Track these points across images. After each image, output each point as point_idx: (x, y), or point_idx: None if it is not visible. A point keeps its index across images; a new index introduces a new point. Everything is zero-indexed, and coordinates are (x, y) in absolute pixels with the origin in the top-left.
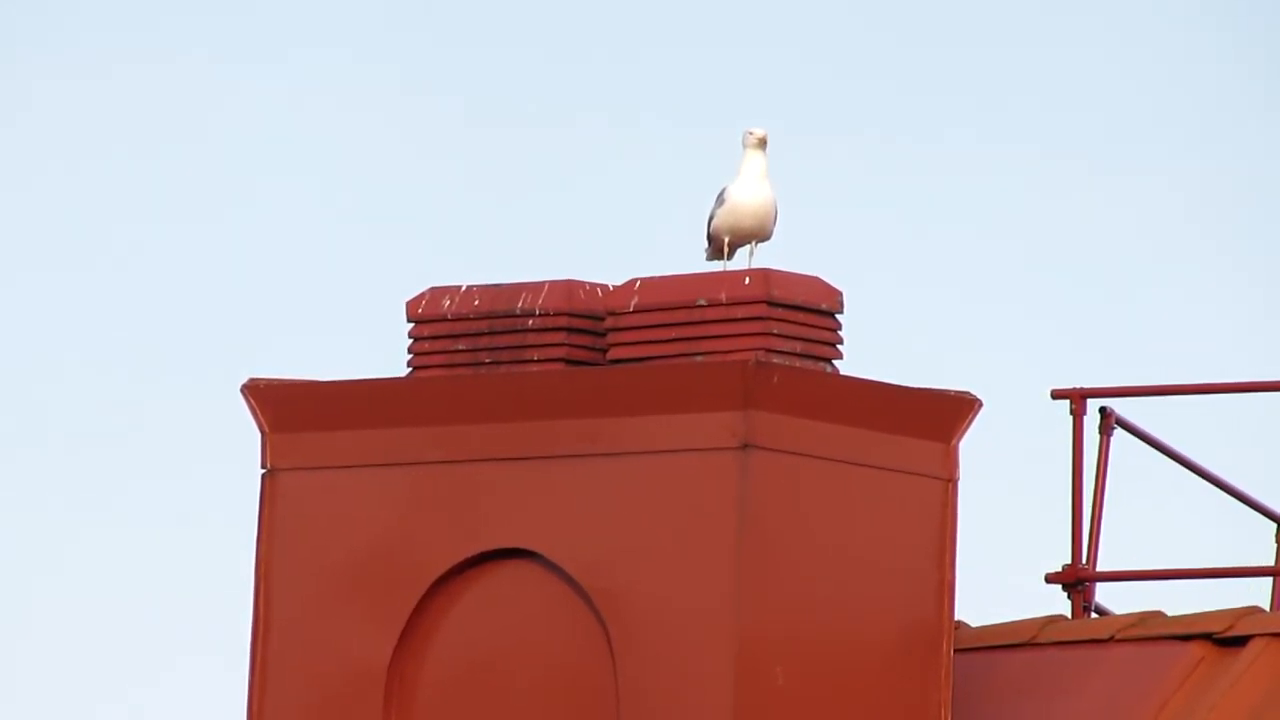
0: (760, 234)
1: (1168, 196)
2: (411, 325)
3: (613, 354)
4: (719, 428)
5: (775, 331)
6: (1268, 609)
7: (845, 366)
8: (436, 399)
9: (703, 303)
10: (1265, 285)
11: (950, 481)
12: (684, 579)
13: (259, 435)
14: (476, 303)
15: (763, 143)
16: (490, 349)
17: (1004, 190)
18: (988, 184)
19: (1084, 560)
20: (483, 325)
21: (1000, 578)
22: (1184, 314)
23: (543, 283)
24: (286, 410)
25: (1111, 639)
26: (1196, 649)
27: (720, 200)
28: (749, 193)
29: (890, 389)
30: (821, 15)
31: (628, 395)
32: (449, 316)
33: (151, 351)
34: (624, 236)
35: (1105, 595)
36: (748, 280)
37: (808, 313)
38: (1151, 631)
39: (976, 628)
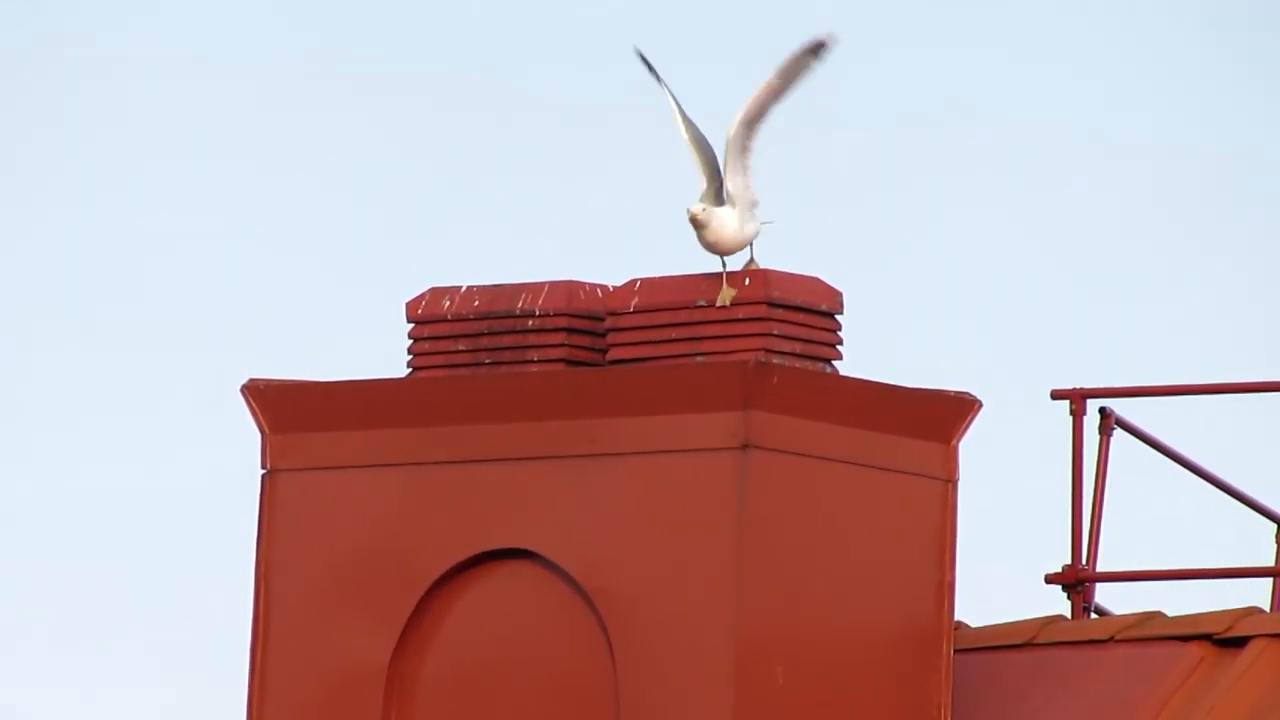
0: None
1: (1168, 196)
2: (411, 326)
3: (613, 354)
4: (719, 428)
5: (775, 332)
6: (1268, 610)
7: (845, 367)
8: (436, 399)
9: (703, 303)
10: (1265, 285)
11: (950, 482)
12: (684, 579)
13: (259, 436)
14: (476, 303)
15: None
16: (490, 349)
17: (1003, 189)
18: (987, 183)
19: (1084, 561)
20: (483, 326)
21: (1000, 578)
22: (1184, 314)
23: (543, 283)
24: (286, 411)
25: (1111, 640)
26: (1196, 650)
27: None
28: (719, 238)
29: (890, 389)
30: (819, 13)
31: (628, 396)
32: (449, 317)
33: (151, 351)
34: (624, 237)
35: (1105, 596)
36: (747, 281)
37: (807, 313)
38: (1151, 632)
39: (976, 628)
